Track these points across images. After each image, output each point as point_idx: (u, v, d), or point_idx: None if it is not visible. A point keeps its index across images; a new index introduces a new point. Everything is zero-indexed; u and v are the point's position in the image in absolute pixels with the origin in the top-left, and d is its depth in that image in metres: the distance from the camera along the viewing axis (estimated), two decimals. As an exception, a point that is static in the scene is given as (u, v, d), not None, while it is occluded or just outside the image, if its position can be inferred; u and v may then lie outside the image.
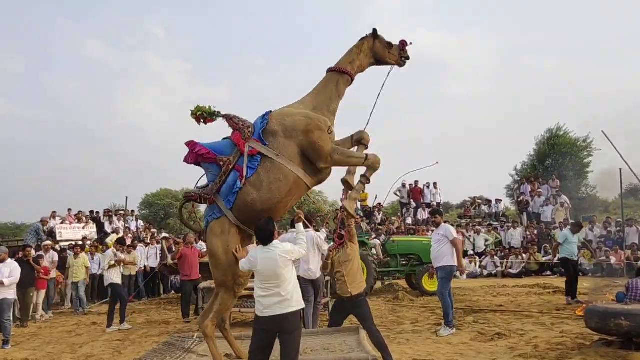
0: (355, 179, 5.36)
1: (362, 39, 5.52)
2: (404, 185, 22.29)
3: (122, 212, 20.37)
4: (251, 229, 5.05)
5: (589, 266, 15.77)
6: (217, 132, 5.49)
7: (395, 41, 5.59)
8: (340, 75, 5.40)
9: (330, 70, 5.47)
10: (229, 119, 5.26)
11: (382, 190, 23.33)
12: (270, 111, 5.23)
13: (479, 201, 22.42)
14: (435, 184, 22.34)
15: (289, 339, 4.14)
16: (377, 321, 8.34)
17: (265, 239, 4.33)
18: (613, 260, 15.34)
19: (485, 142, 56.18)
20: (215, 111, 5.37)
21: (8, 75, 63.46)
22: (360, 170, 5.33)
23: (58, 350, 8.18)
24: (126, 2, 72.15)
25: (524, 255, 17.13)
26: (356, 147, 5.45)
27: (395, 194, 22.40)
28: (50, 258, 12.31)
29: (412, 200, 22.26)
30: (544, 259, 16.95)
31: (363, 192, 5.52)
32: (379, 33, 5.53)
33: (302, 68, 70.14)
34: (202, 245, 13.21)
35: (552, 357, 6.23)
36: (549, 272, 16.61)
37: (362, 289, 6.06)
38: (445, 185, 22.79)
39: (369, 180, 5.24)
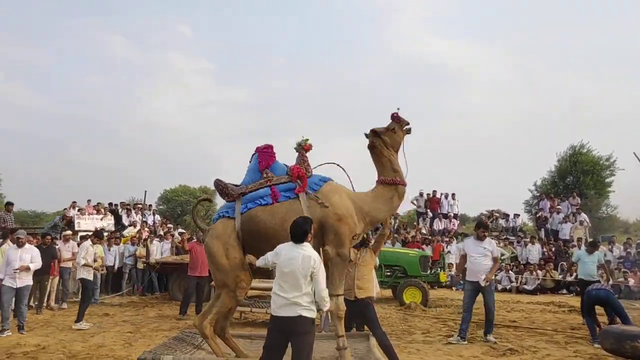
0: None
1: (373, 146, 5.56)
2: (421, 195, 22.18)
3: (140, 206, 20.58)
4: (246, 244, 5.18)
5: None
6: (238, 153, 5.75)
7: (386, 118, 5.69)
8: (395, 188, 5.52)
9: (381, 182, 5.53)
10: (304, 154, 5.55)
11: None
12: (331, 179, 5.49)
13: (497, 214, 22.16)
14: (453, 194, 22.19)
15: (299, 342, 4.07)
16: (388, 329, 8.31)
17: (298, 235, 4.23)
18: (631, 282, 15.07)
19: (505, 156, 55.53)
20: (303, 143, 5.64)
21: (40, 68, 64.55)
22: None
23: (70, 339, 8.28)
24: (154, 0, 72.90)
25: (539, 271, 16.88)
26: None
27: (413, 203, 22.29)
28: (70, 248, 12.36)
29: (428, 210, 22.11)
30: (560, 276, 16.69)
31: None
32: (376, 130, 5.57)
33: (324, 74, 70.22)
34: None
35: (564, 377, 6.13)
36: (564, 291, 16.33)
37: (368, 295, 6.09)
38: (462, 197, 22.56)
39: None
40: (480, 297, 8.26)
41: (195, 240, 11.74)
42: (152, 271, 14.54)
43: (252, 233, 5.11)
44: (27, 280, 8.91)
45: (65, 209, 18.68)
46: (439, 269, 15.56)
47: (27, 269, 8.78)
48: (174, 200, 44.26)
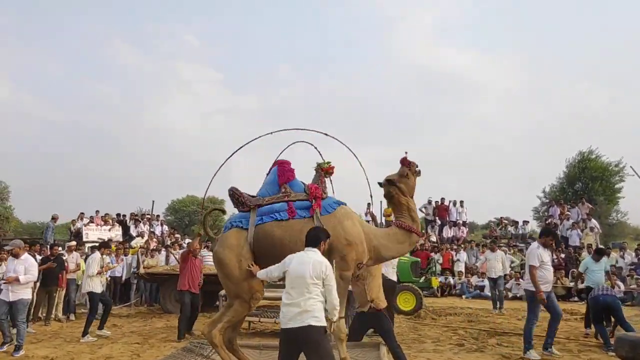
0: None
1: (391, 196, 5.65)
2: (429, 202, 22.08)
3: (148, 216, 20.62)
4: (254, 258, 5.16)
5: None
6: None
7: (396, 163, 5.78)
8: (409, 235, 5.59)
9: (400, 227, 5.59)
10: (322, 175, 5.62)
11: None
12: (345, 203, 5.55)
13: (506, 222, 22.01)
14: (462, 202, 22.06)
15: (313, 352, 4.01)
16: (397, 339, 8.16)
17: (311, 240, 4.28)
18: (644, 288, 14.87)
19: (513, 164, 55.34)
20: (323, 165, 5.73)
21: (47, 78, 65.12)
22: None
23: (78, 350, 8.24)
24: (162, 10, 73.54)
25: (550, 279, 16.65)
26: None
27: (421, 211, 22.17)
28: (74, 259, 12.34)
29: (437, 218, 21.99)
30: (571, 284, 16.48)
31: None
32: (391, 179, 5.66)
33: (330, 82, 70.40)
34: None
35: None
36: (576, 298, 16.12)
37: (383, 305, 6.00)
38: (469, 205, 22.40)
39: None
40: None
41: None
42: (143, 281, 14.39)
43: (264, 247, 5.11)
44: (21, 293, 8.02)
45: (73, 220, 18.76)
46: (430, 275, 15.52)
47: (17, 280, 7.90)
48: (181, 211, 44.38)
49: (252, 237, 5.11)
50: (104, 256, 10.25)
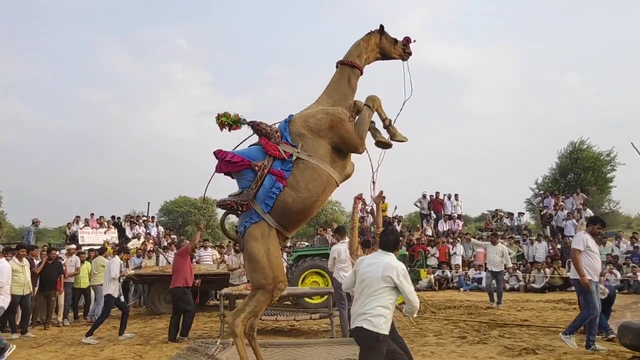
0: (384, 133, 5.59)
1: (369, 33, 5.68)
2: (424, 196, 22.10)
3: (144, 218, 20.53)
4: (288, 230, 5.22)
5: (615, 282, 15.40)
6: (235, 139, 5.56)
7: (400, 37, 5.80)
8: (351, 69, 5.53)
9: (340, 63, 5.58)
10: (255, 125, 5.33)
11: (402, 201, 23.20)
12: (292, 115, 5.36)
13: (501, 214, 22.09)
14: (456, 195, 22.08)
15: (361, 357, 4.03)
16: (399, 332, 8.19)
17: (387, 245, 4.21)
18: (640, 276, 14.97)
19: (505, 156, 55.57)
20: (241, 118, 5.44)
21: (37, 84, 64.50)
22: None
23: (80, 353, 8.19)
24: (152, 14, 73.11)
25: (547, 269, 16.76)
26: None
27: (416, 205, 22.22)
28: (73, 263, 12.23)
29: (432, 212, 22.02)
30: (568, 273, 16.56)
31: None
32: (385, 29, 5.68)
33: (322, 81, 70.17)
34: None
35: (584, 374, 6.04)
36: (573, 288, 16.20)
37: None
38: (463, 198, 22.39)
39: (374, 110, 5.40)
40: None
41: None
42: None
43: (289, 217, 5.11)
44: None
45: (68, 223, 18.66)
46: (418, 268, 15.58)
47: None
48: (175, 212, 44.29)
49: (274, 221, 5.06)
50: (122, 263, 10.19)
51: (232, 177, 5.38)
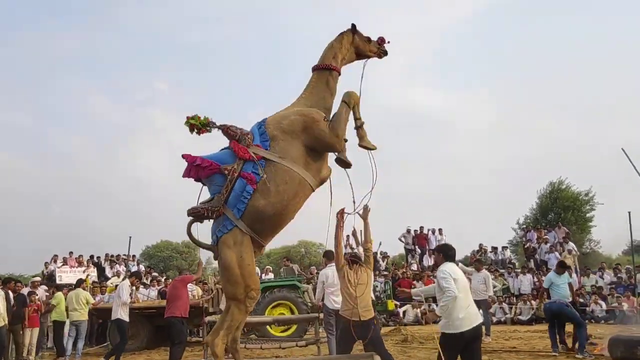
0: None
1: (341, 33, 5.64)
2: (408, 231, 22.04)
3: (124, 257, 20.07)
4: (261, 237, 5.03)
5: (601, 312, 15.39)
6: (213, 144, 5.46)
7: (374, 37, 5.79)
8: (329, 72, 5.49)
9: (316, 68, 5.54)
10: (225, 128, 5.24)
11: (387, 237, 23.02)
12: (266, 118, 5.29)
13: (485, 248, 22.11)
14: (440, 229, 22.05)
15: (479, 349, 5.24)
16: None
17: (453, 257, 5.42)
18: (625, 306, 14.96)
19: (486, 197, 55.99)
20: (210, 122, 5.35)
21: (17, 129, 64.00)
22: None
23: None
24: (134, 59, 73.83)
25: (533, 302, 16.67)
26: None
27: (400, 240, 22.12)
28: (39, 296, 11.62)
29: (416, 247, 21.94)
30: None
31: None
32: (357, 28, 5.66)
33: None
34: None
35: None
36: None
37: (372, 315, 5.91)
38: (447, 233, 22.36)
39: (351, 106, 5.29)
40: None
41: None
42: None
43: (262, 221, 4.95)
44: None
45: (46, 262, 18.18)
46: (385, 299, 15.44)
47: None
48: (156, 257, 43.39)
49: (246, 227, 4.92)
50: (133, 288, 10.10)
51: (203, 184, 5.29)
